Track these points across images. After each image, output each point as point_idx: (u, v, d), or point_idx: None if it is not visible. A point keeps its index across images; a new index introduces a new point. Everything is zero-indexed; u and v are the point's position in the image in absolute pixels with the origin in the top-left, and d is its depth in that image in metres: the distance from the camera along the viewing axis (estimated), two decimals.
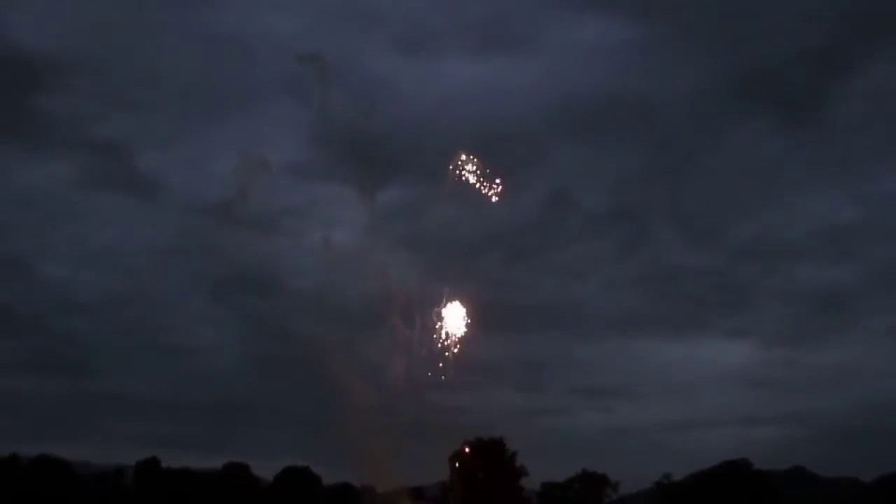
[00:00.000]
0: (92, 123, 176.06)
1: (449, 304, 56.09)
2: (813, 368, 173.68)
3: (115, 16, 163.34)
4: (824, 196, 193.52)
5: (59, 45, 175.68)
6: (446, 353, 54.49)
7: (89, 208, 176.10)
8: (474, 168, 59.33)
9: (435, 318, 55.66)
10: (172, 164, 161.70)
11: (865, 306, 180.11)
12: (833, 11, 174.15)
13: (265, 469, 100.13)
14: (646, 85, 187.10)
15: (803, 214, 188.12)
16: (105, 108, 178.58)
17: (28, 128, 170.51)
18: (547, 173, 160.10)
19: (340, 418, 55.13)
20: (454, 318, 55.75)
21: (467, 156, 59.83)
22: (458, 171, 59.88)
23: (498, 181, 52.41)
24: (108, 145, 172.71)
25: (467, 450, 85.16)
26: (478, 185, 57.86)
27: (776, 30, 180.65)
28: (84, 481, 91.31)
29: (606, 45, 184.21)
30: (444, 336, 54.81)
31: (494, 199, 52.77)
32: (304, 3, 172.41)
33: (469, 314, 56.29)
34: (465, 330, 55.53)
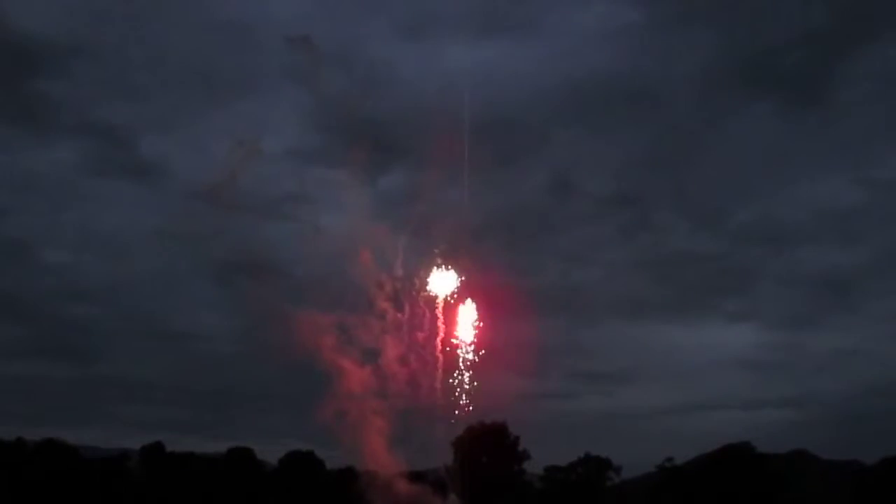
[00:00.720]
0: (93, 108, 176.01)
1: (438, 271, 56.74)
2: (815, 352, 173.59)
3: (117, 0, 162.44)
4: (828, 179, 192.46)
5: (60, 30, 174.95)
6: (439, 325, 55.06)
7: (91, 193, 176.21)
8: (477, 152, 59.30)
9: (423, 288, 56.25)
10: (174, 149, 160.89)
11: (868, 290, 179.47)
12: None
13: (269, 453, 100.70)
14: (648, 68, 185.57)
15: (806, 198, 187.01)
16: (107, 93, 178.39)
17: (29, 113, 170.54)
18: (549, 158, 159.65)
19: (338, 402, 55.49)
20: (445, 286, 56.41)
21: (469, 140, 59.75)
22: (460, 156, 59.86)
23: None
24: (110, 130, 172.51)
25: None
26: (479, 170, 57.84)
27: (779, 12, 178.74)
28: (89, 465, 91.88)
29: (609, 29, 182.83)
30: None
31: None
32: None
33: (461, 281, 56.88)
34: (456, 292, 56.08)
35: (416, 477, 65.01)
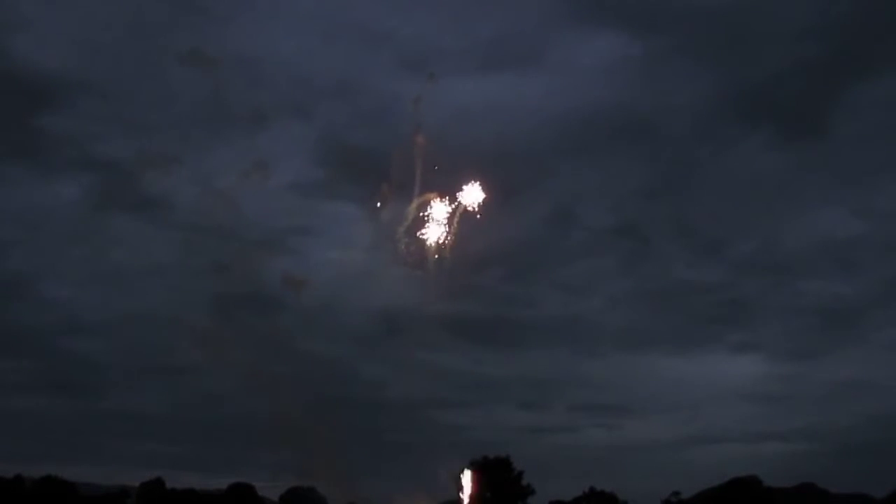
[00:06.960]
0: (97, 143, 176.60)
1: None
2: (821, 383, 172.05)
3: (121, 36, 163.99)
4: (828, 210, 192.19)
5: (64, 66, 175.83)
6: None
7: (94, 228, 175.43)
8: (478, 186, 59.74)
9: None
10: (178, 184, 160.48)
11: (872, 320, 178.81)
12: (833, 24, 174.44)
13: (271, 489, 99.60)
14: (647, 101, 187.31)
15: (807, 228, 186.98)
16: (110, 128, 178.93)
17: (33, 148, 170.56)
18: (550, 190, 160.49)
19: (341, 437, 55.10)
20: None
21: (471, 174, 60.22)
22: (462, 191, 60.33)
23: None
24: (114, 165, 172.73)
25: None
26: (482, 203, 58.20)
27: (776, 43, 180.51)
28: (89, 502, 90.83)
29: (608, 63, 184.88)
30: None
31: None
32: (311, 23, 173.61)
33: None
34: None
35: None
